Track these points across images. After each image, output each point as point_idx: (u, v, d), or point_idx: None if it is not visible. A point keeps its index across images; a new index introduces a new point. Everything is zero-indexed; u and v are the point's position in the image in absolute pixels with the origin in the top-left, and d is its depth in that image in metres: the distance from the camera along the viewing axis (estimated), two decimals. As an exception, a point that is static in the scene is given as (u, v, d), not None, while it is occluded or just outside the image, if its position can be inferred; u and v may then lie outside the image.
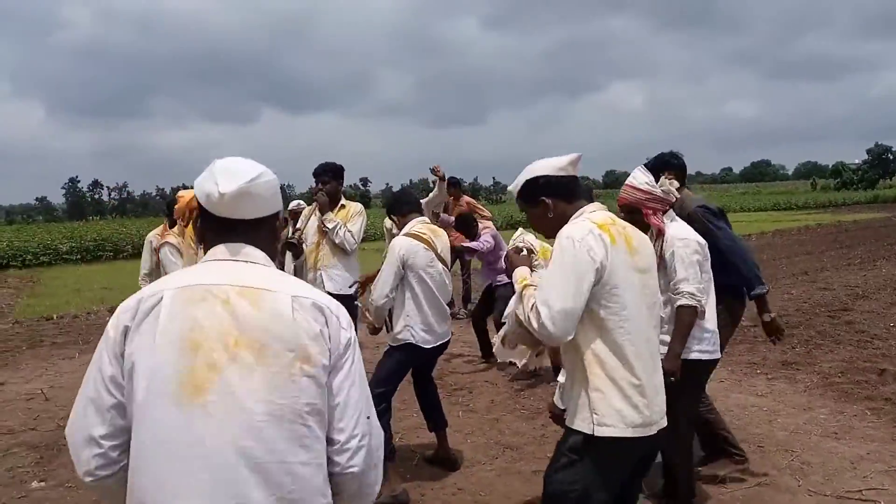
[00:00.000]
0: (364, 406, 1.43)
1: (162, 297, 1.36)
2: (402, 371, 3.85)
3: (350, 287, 4.81)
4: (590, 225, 2.15)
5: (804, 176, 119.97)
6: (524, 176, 2.35)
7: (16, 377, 6.54)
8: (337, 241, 4.81)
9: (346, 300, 4.94)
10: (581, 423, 2.11)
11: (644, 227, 3.31)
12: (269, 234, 1.53)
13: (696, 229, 3.44)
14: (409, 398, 4.36)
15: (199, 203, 1.48)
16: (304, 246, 4.92)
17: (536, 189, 2.34)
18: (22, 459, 4.35)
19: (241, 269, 1.42)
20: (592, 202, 2.33)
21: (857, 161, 74.89)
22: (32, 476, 4.10)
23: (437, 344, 3.85)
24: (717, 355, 3.32)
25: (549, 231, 2.30)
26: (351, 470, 1.40)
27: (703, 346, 3.24)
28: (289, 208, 5.80)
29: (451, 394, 5.62)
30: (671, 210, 3.28)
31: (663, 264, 3.17)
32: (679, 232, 3.21)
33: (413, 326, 3.73)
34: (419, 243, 3.78)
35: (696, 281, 3.12)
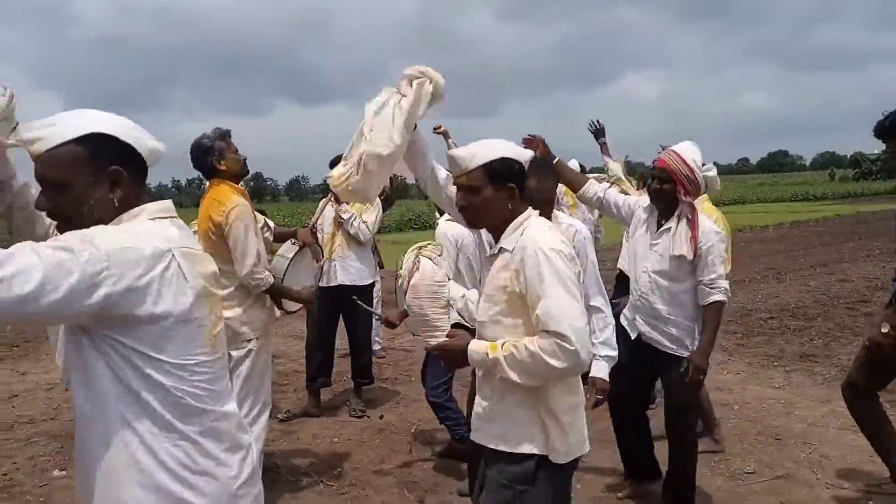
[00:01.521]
0: None
1: (173, 253, 1.38)
2: None
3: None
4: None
5: (822, 167, 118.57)
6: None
7: (36, 367, 6.63)
8: (352, 232, 4.82)
9: (361, 291, 4.95)
10: None
11: (670, 200, 3.12)
12: None
13: None
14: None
15: (132, 157, 1.43)
16: (319, 236, 4.92)
17: None
18: (43, 448, 4.41)
19: (183, 228, 1.48)
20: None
21: (876, 151, 73.64)
22: (53, 465, 4.14)
23: None
24: None
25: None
26: None
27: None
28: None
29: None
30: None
31: (699, 256, 3.04)
32: (712, 224, 3.13)
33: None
34: (466, 229, 3.77)
35: (726, 276, 3.10)
